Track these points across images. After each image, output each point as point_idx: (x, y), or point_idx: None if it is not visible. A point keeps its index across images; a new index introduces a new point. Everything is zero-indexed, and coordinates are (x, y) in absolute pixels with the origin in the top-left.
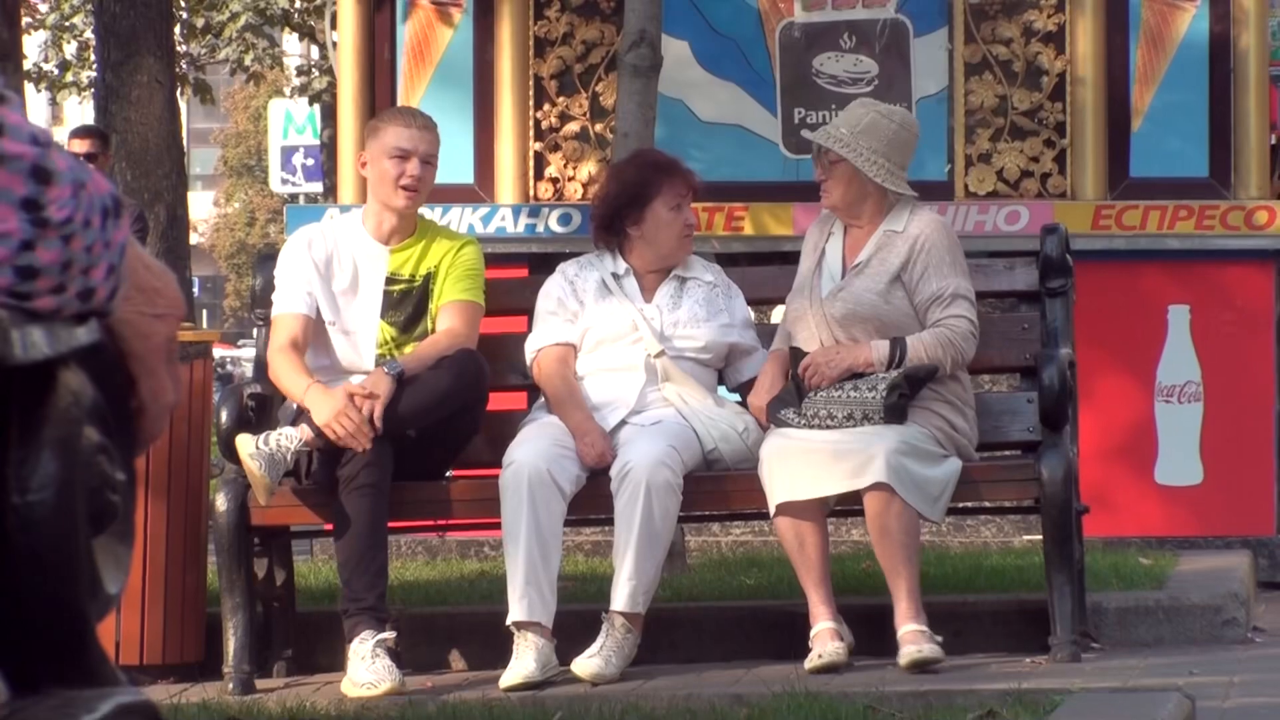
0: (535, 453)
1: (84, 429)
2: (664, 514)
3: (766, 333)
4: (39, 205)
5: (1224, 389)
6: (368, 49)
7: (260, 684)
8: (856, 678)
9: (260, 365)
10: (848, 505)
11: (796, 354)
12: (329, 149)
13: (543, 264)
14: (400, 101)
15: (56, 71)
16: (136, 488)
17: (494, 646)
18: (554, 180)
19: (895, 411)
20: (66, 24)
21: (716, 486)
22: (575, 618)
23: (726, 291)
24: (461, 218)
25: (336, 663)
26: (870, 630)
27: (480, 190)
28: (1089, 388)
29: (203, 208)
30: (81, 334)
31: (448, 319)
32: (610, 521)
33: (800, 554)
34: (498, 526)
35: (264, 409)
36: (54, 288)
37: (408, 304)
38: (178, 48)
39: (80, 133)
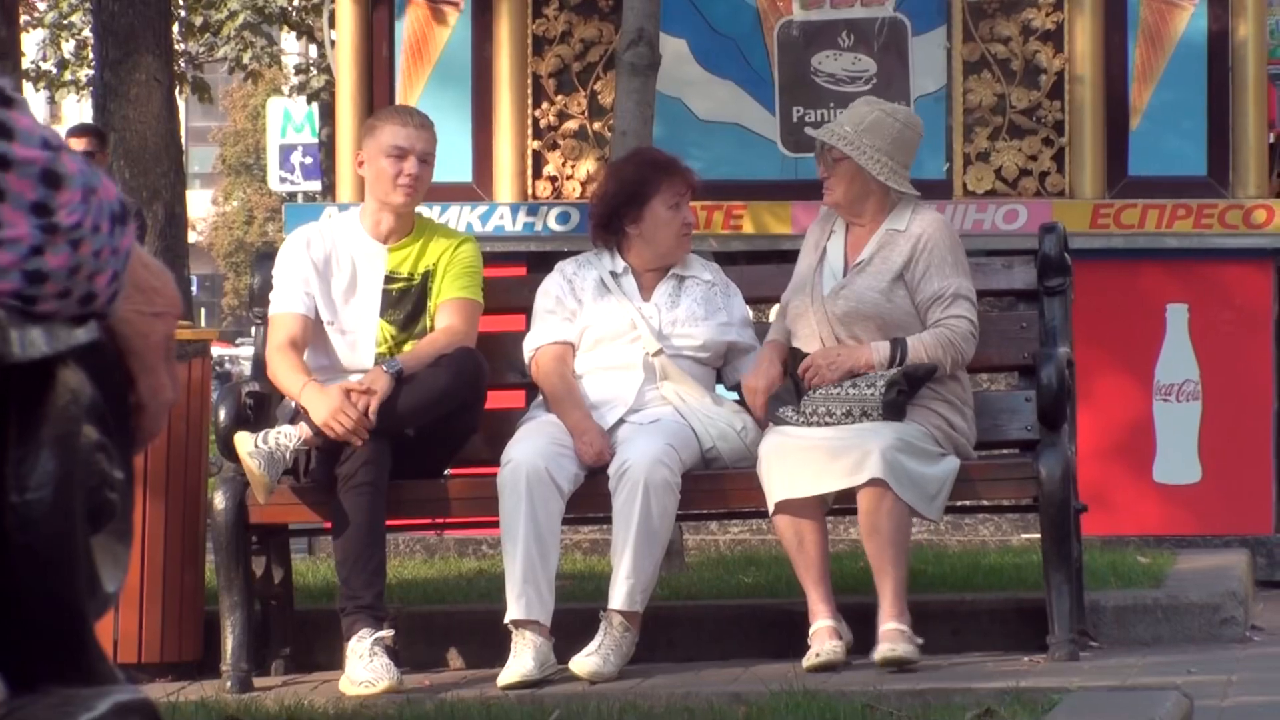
0: (533, 451)
1: (82, 427)
2: (662, 512)
3: (765, 332)
4: (49, 210)
5: (1222, 388)
6: (366, 47)
7: (258, 682)
8: (855, 676)
9: (259, 364)
10: (846, 504)
11: (796, 354)
12: (327, 148)
13: (541, 262)
14: (399, 100)
15: (55, 70)
16: (135, 486)
17: (492, 645)
18: (552, 179)
19: (894, 409)
20: (65, 22)
21: (714, 485)
22: (573, 616)
23: (725, 290)
24: (460, 216)
25: (334, 661)
26: (869, 629)
27: (479, 189)
28: (1087, 386)
29: (201, 206)
30: (80, 333)
31: (446, 317)
32: (608, 520)
33: (799, 552)
34: (496, 525)
35: (262, 407)
36: (59, 292)
37: (406, 302)
38: (176, 46)
39: (77, 131)
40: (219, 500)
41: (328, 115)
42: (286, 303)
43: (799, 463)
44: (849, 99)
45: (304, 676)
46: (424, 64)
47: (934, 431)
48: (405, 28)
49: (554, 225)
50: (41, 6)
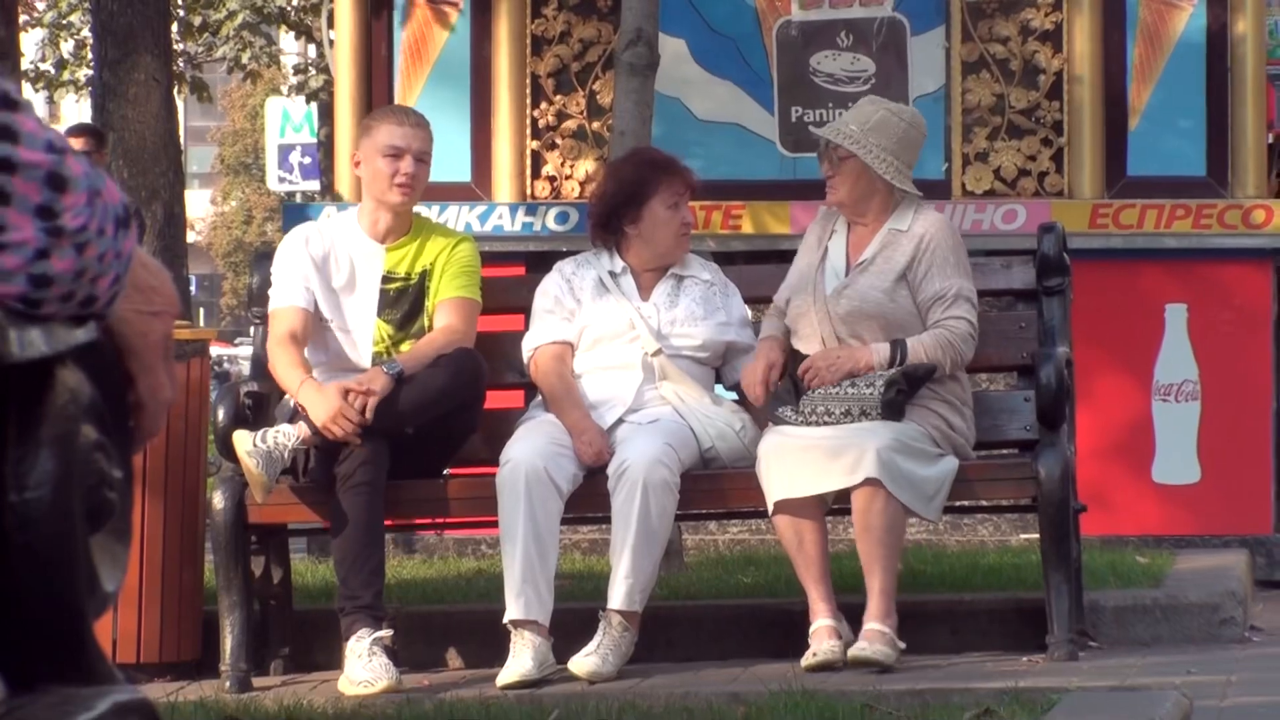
0: (532, 451)
1: (81, 427)
2: (661, 512)
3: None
4: (54, 213)
5: (1221, 388)
6: (365, 47)
7: (257, 682)
8: (854, 676)
9: (257, 363)
10: (846, 504)
11: (796, 354)
12: (326, 147)
13: (540, 262)
14: (398, 99)
15: (53, 70)
16: (134, 485)
17: (491, 645)
18: (551, 178)
19: (892, 408)
20: (64, 22)
21: (713, 485)
22: (572, 616)
23: (724, 290)
24: (459, 216)
25: (333, 661)
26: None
27: (477, 188)
28: (1086, 386)
29: (200, 206)
30: (80, 333)
31: (445, 316)
32: (607, 520)
33: (799, 551)
34: (495, 525)
35: (261, 407)
36: (63, 296)
37: (404, 302)
38: (175, 46)
39: (74, 131)
40: (218, 500)
41: (326, 115)
42: (287, 297)
43: (798, 462)
44: (848, 99)
45: (303, 676)
46: (423, 64)
47: (932, 432)
48: (404, 27)
49: (553, 225)
50: (40, 6)
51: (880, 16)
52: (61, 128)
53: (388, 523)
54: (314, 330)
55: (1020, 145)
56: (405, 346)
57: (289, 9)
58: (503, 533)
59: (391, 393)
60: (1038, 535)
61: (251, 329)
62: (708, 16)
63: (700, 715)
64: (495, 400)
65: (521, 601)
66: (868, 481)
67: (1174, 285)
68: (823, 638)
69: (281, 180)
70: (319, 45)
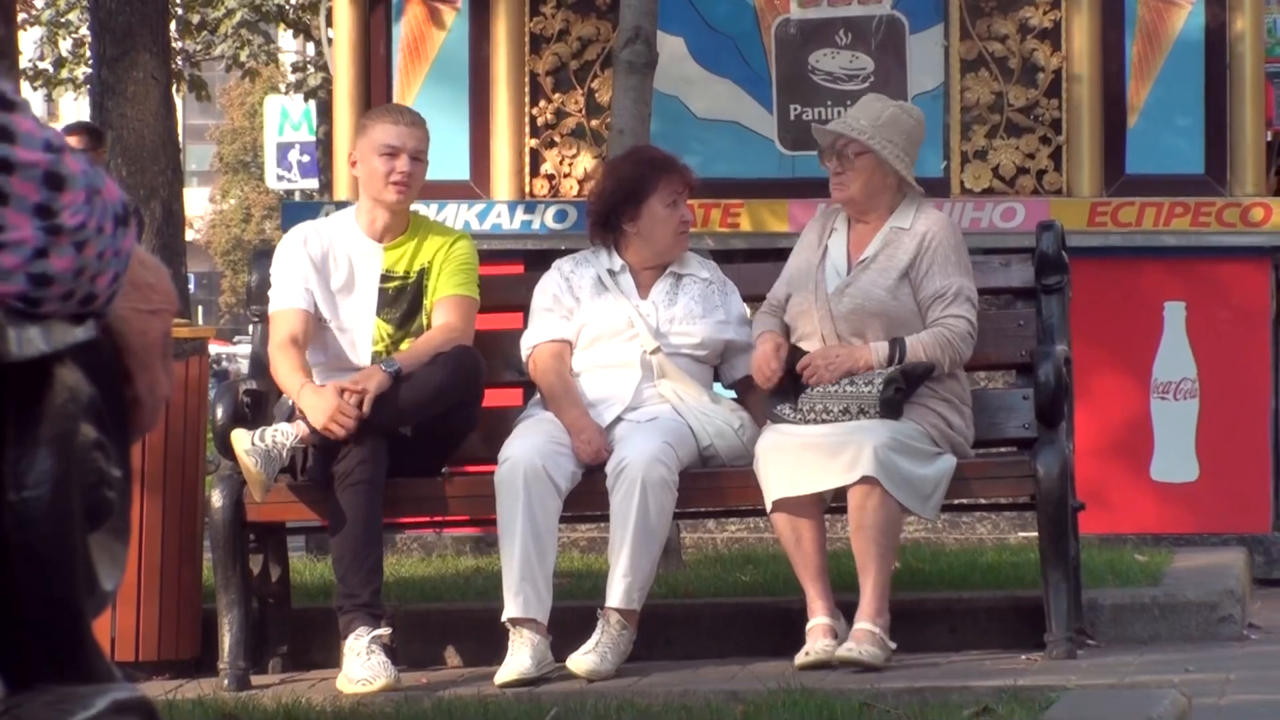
0: (531, 449)
1: (80, 425)
2: (659, 510)
3: None
4: (53, 212)
5: (1220, 386)
6: (363, 45)
7: (255, 680)
8: (851, 674)
9: (256, 361)
10: (845, 502)
11: (796, 352)
12: (324, 145)
13: (538, 260)
14: (396, 97)
15: (52, 68)
16: (132, 484)
17: (489, 643)
18: (549, 177)
19: (890, 406)
20: (62, 20)
21: (712, 483)
22: (571, 614)
23: (722, 288)
24: (457, 214)
25: (332, 659)
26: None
27: (476, 186)
28: (1085, 384)
29: (198, 204)
30: (79, 331)
31: (443, 314)
32: (606, 518)
33: (797, 549)
34: (493, 523)
35: (260, 405)
36: (63, 294)
37: (403, 300)
38: (173, 44)
39: (72, 129)
40: (216, 498)
41: (325, 113)
42: (287, 299)
43: (796, 461)
44: (847, 97)
45: (301, 674)
46: (421, 62)
47: (931, 430)
48: (403, 26)
49: (551, 223)
50: (39, 4)
51: (879, 14)
52: (59, 126)
53: (386, 521)
54: (314, 331)
55: (1019, 143)
56: (405, 345)
57: (287, 7)
58: (501, 531)
59: (390, 391)
60: (1036, 533)
61: (250, 327)
62: (706, 14)
63: (699, 713)
64: (494, 398)
65: (520, 599)
66: (864, 480)
67: (1172, 283)
68: (817, 636)
69: (280, 178)
70: (317, 43)
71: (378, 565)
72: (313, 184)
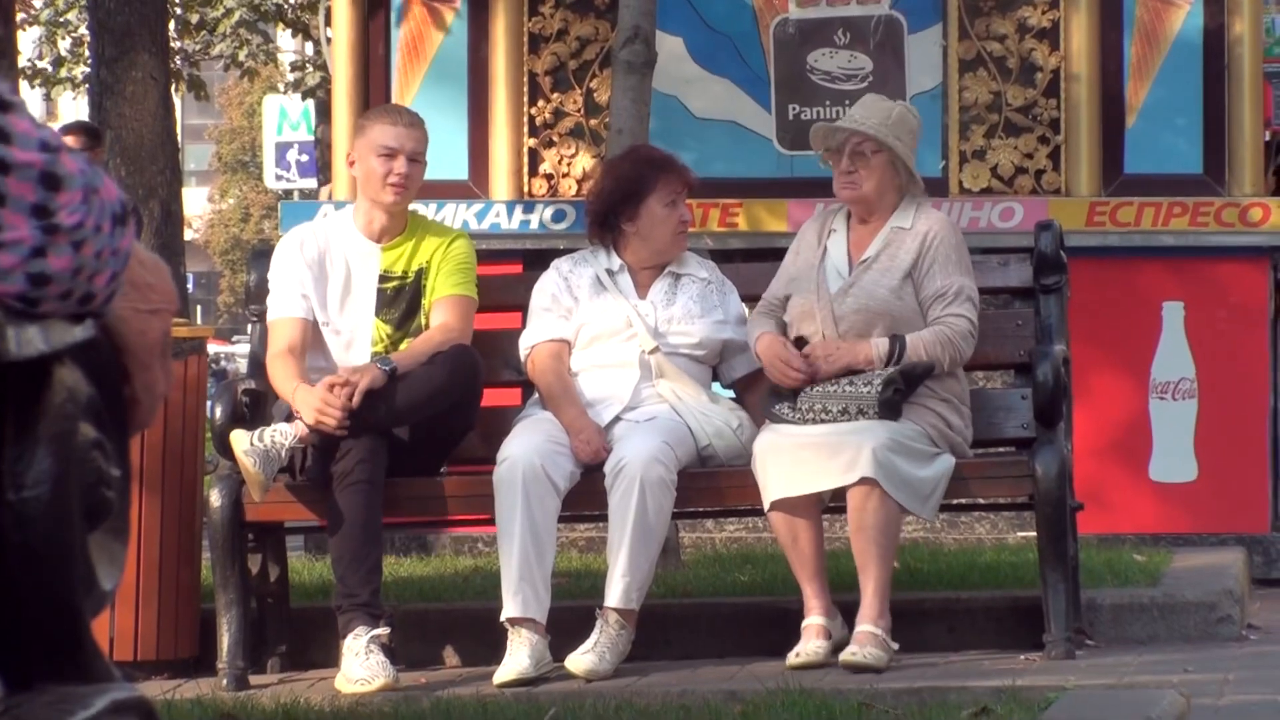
0: (529, 448)
1: (79, 425)
2: (658, 510)
3: None
4: (50, 212)
5: (1218, 386)
6: (362, 45)
7: (254, 680)
8: (851, 674)
9: (255, 361)
10: (843, 501)
11: (799, 343)
12: (322, 145)
13: (537, 260)
14: (395, 97)
15: (51, 68)
16: (131, 484)
17: (488, 643)
18: (548, 176)
19: (889, 407)
20: (61, 20)
21: (710, 483)
22: (569, 614)
23: (721, 288)
24: (456, 214)
25: (331, 659)
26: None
27: (475, 186)
28: (1083, 384)
29: (197, 204)
30: (77, 331)
31: (441, 314)
32: (604, 518)
33: (794, 549)
34: (492, 523)
35: (259, 405)
36: (61, 294)
37: (401, 301)
38: (172, 44)
39: (69, 129)
40: (215, 498)
41: (324, 113)
42: (283, 308)
43: (794, 461)
44: (845, 97)
45: (300, 674)
46: (420, 61)
47: (930, 430)
48: (402, 25)
49: (550, 223)
50: (38, 4)
51: (878, 14)
52: (57, 125)
53: (385, 521)
54: (312, 337)
55: (1017, 143)
56: (404, 345)
57: (286, 6)
58: (500, 530)
59: (388, 390)
60: (1035, 533)
61: (249, 326)
62: (705, 14)
63: (697, 713)
64: (492, 398)
65: (519, 599)
66: (863, 480)
67: (1171, 283)
68: (810, 636)
69: (279, 178)
70: (316, 43)
71: (376, 565)
72: (311, 184)
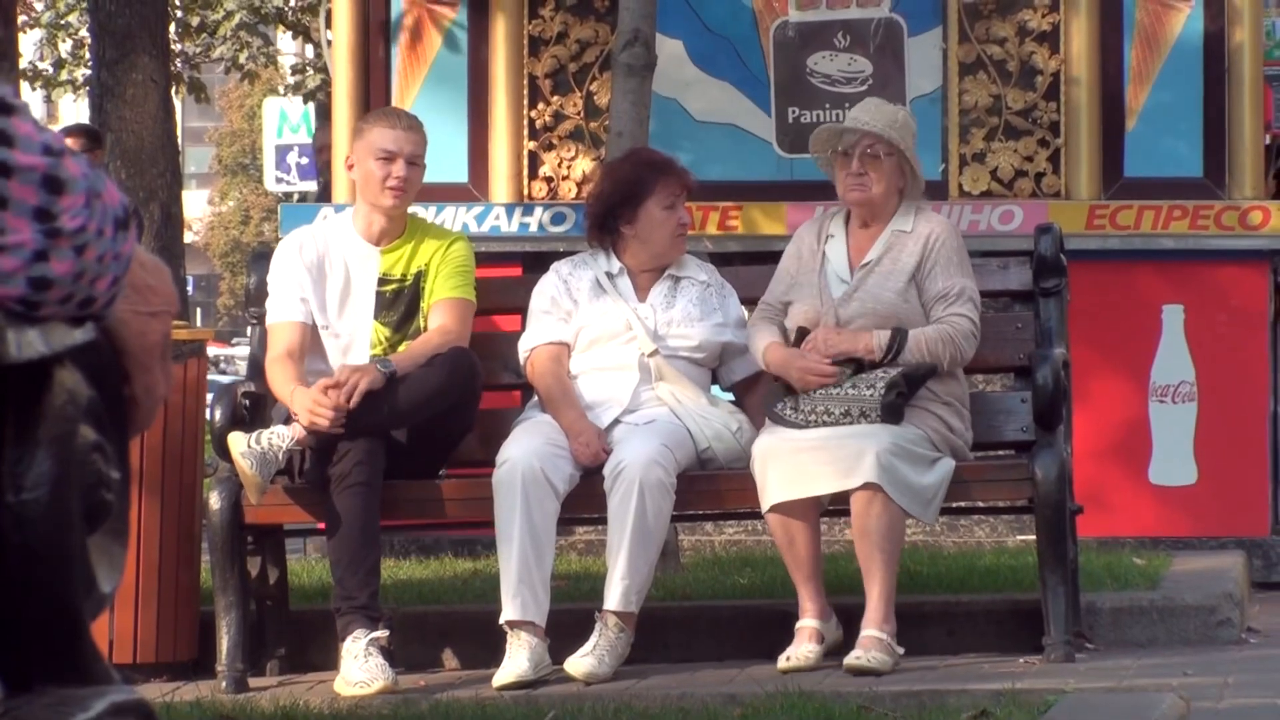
0: (529, 451)
1: (79, 427)
2: (657, 513)
3: None
4: (52, 215)
5: (1218, 389)
6: (362, 47)
7: (253, 682)
8: (848, 676)
9: (254, 364)
10: (842, 504)
11: (800, 335)
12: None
13: (536, 263)
14: (395, 100)
15: (52, 70)
16: (131, 486)
17: (487, 645)
18: (548, 179)
19: (892, 410)
20: (61, 22)
21: (710, 486)
22: (568, 617)
23: (720, 291)
24: (455, 216)
25: (330, 661)
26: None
27: (474, 189)
28: (1083, 387)
29: (197, 206)
30: (78, 334)
31: (439, 316)
32: (603, 520)
33: (790, 551)
34: (491, 525)
35: (258, 408)
36: (62, 298)
37: (400, 304)
38: (173, 46)
39: (69, 132)
40: (214, 500)
41: (324, 115)
42: (282, 312)
43: (793, 465)
44: (845, 99)
45: (299, 677)
46: (420, 64)
47: (931, 434)
48: (402, 28)
49: (549, 226)
50: (38, 6)
51: (877, 17)
52: (58, 128)
53: (384, 523)
54: (311, 341)
55: (1017, 146)
56: (403, 348)
57: (286, 9)
58: (499, 533)
59: (386, 392)
60: (1034, 536)
61: (248, 329)
62: (705, 17)
63: (696, 716)
64: (491, 401)
65: (518, 602)
66: (867, 485)
67: (1171, 286)
68: (802, 640)
69: (279, 180)
70: (316, 45)
71: (375, 567)
72: (311, 186)
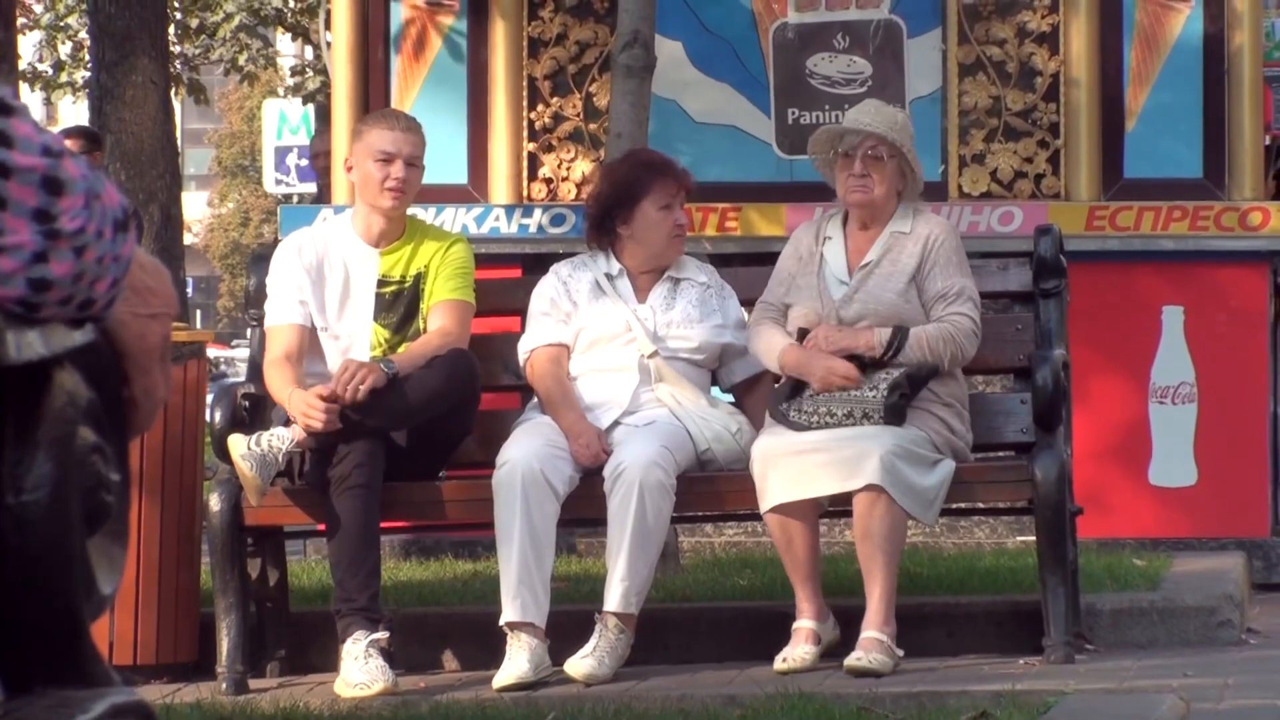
0: (528, 453)
1: (79, 429)
2: (657, 514)
3: None
4: (51, 216)
5: (1218, 390)
6: (362, 49)
7: (253, 684)
8: (848, 678)
9: (254, 366)
10: (844, 505)
11: (802, 335)
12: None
13: (536, 264)
14: (395, 102)
15: (51, 72)
16: (131, 488)
17: (487, 647)
18: (547, 181)
19: (895, 412)
20: (61, 24)
21: (709, 487)
22: (568, 618)
23: (720, 292)
24: (455, 218)
25: (330, 663)
26: (860, 630)
27: (474, 190)
28: (1083, 389)
29: (197, 208)
30: (77, 336)
31: (439, 318)
32: (603, 522)
33: (787, 551)
34: (491, 527)
35: (258, 409)
36: (62, 299)
37: (399, 305)
38: (172, 48)
39: (68, 134)
40: (214, 502)
41: (324, 118)
42: (281, 314)
43: (793, 466)
44: (844, 101)
45: (299, 678)
46: (420, 66)
47: (933, 435)
48: (401, 30)
49: (549, 227)
50: (38, 8)
51: (877, 19)
52: (57, 130)
53: (383, 525)
54: (310, 342)
55: (1017, 147)
56: (402, 350)
57: (286, 11)
58: (499, 535)
59: (387, 393)
60: (1034, 538)
61: (248, 331)
62: (704, 19)
63: (696, 717)
64: (491, 402)
65: (518, 604)
66: (870, 487)
67: (1171, 287)
68: (799, 641)
69: (278, 182)
70: (316, 47)
71: (375, 569)
72: (311, 188)
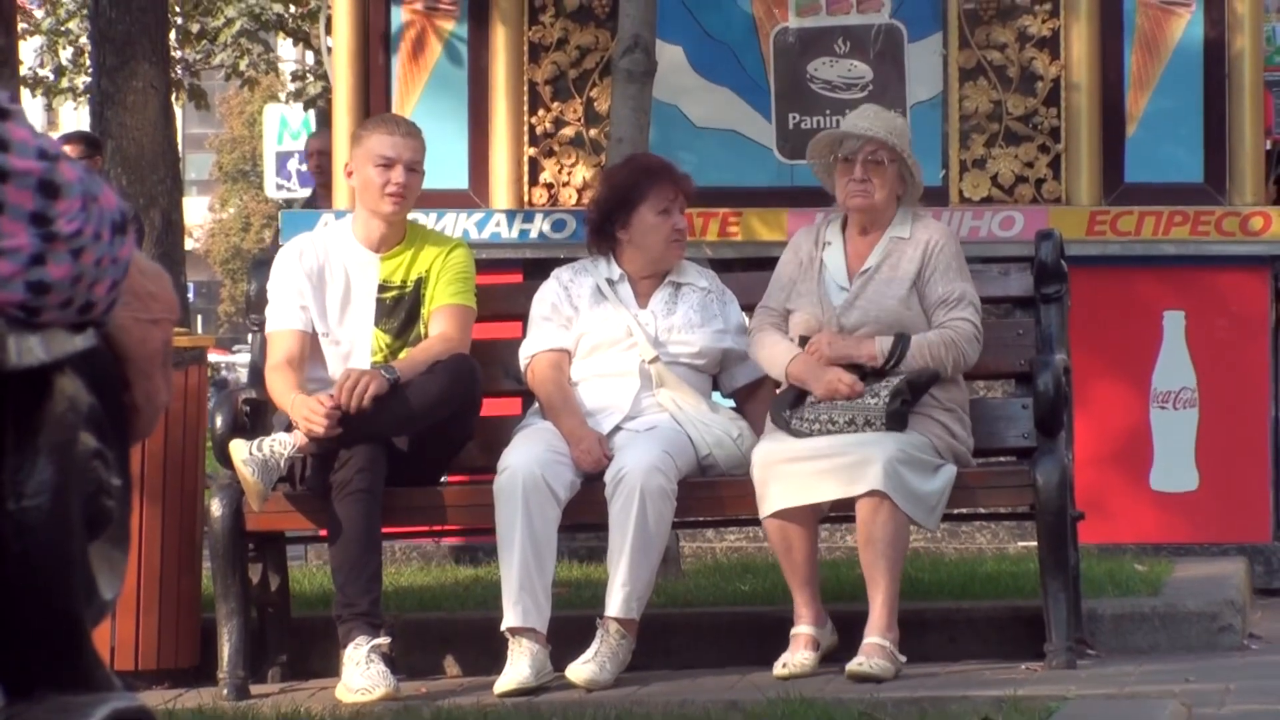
0: (530, 458)
1: (80, 434)
2: (658, 519)
3: None
4: (48, 219)
5: (1219, 395)
6: (363, 54)
7: (255, 689)
8: (849, 683)
9: (255, 371)
10: (844, 511)
11: (803, 342)
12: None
13: (537, 269)
14: (395, 107)
15: (52, 77)
16: (132, 493)
17: (489, 652)
18: (548, 185)
19: (897, 418)
20: (62, 29)
21: (710, 492)
22: (570, 623)
23: (721, 297)
24: (456, 223)
25: (331, 668)
26: (860, 637)
27: (475, 195)
28: (1084, 394)
29: (198, 213)
30: (78, 340)
31: (439, 323)
32: (604, 527)
33: (787, 557)
34: (492, 532)
35: (259, 415)
36: (62, 302)
37: (400, 310)
38: (173, 53)
39: (68, 139)
40: (216, 507)
41: (324, 122)
42: (282, 320)
43: (794, 472)
44: (845, 106)
45: (300, 684)
46: (420, 71)
47: (935, 441)
48: (402, 35)
49: (550, 232)
50: (39, 13)
51: (877, 23)
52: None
53: (385, 530)
54: (311, 348)
55: (1018, 152)
56: (403, 355)
57: (287, 16)
58: (500, 540)
59: (388, 399)
60: (1036, 543)
61: (249, 336)
62: (705, 23)
63: None
64: (492, 408)
65: (519, 609)
66: (873, 493)
67: (1172, 292)
68: (798, 646)
69: (279, 187)
70: (317, 52)
71: (376, 574)
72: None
